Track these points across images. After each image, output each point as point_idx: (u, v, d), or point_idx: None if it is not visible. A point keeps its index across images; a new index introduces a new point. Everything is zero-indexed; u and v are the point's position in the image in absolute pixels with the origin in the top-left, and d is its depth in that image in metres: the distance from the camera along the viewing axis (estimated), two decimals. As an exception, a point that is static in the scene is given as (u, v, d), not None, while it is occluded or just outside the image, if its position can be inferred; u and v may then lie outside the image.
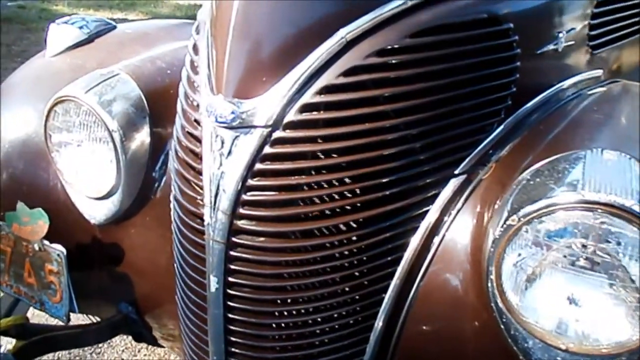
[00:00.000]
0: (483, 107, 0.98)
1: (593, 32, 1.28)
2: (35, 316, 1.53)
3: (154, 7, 7.20)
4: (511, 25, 0.98)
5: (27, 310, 1.33)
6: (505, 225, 0.79)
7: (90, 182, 1.17)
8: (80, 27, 1.48)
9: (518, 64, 1.01)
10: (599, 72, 1.29)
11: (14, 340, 1.26)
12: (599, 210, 0.73)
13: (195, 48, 0.96)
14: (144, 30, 1.62)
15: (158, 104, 1.20)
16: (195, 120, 0.89)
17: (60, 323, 1.22)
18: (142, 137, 1.17)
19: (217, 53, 0.84)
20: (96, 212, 1.21)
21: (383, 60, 0.84)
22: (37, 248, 1.17)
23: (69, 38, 1.44)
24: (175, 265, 1.00)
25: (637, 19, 1.50)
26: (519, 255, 0.79)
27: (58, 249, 1.14)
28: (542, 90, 1.10)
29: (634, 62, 1.55)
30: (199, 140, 0.87)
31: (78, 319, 1.40)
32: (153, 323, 1.29)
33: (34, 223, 1.15)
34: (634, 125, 0.99)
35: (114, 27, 1.55)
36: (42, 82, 1.36)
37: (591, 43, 1.29)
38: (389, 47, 0.84)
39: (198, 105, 0.88)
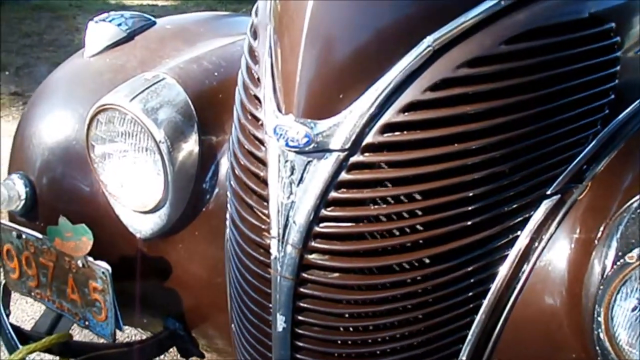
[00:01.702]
0: (580, 119, 0.86)
1: None
2: (79, 332, 1.48)
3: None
4: (613, 25, 0.86)
5: (70, 327, 1.28)
6: (620, 263, 0.69)
7: (136, 195, 1.09)
8: (119, 25, 1.40)
9: (618, 68, 0.89)
10: None
11: (57, 358, 1.21)
12: None
13: (252, 55, 0.85)
14: (184, 25, 1.53)
15: (206, 109, 1.11)
16: (258, 139, 0.79)
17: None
18: (191, 146, 1.09)
19: (284, 65, 0.73)
20: (142, 226, 1.13)
21: (476, 71, 0.73)
22: (80, 264, 1.10)
23: (107, 36, 1.35)
24: (231, 293, 0.91)
25: None
26: (638, 299, 0.69)
27: (103, 266, 1.07)
28: (639, 96, 0.98)
29: None
30: (263, 162, 0.77)
31: (124, 331, 1.34)
32: (200, 338, 1.23)
33: (78, 239, 1.08)
34: None
35: (154, 23, 1.46)
36: (81, 85, 1.28)
37: None
38: (483, 55, 0.73)
39: (262, 123, 0.78)
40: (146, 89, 1.07)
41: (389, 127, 0.71)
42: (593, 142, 0.88)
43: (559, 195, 0.83)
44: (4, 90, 3.78)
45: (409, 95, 0.71)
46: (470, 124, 0.73)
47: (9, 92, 3.78)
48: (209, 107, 1.11)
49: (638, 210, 0.73)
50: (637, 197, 0.75)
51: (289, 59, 0.73)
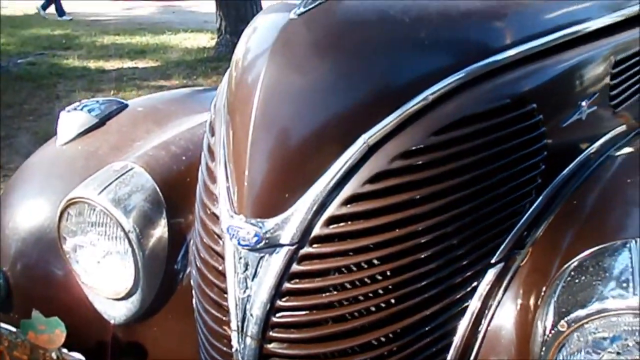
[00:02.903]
0: (513, 191, 0.92)
1: (613, 92, 1.23)
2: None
3: (164, 53, 7.29)
4: (535, 105, 0.93)
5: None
6: (554, 331, 0.73)
7: (108, 283, 1.11)
8: (90, 111, 1.45)
9: (545, 141, 0.96)
10: (622, 128, 1.24)
11: None
12: None
13: (210, 151, 0.91)
14: (156, 105, 1.59)
15: (174, 194, 1.15)
16: (216, 234, 0.83)
17: None
18: (160, 231, 1.12)
19: (234, 166, 0.78)
20: (116, 312, 1.15)
21: (410, 162, 0.79)
22: (55, 357, 1.11)
23: (79, 124, 1.40)
24: None
25: None
26: None
27: (77, 357, 1.08)
28: (571, 162, 1.06)
29: None
30: (221, 256, 0.81)
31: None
32: None
33: (51, 332, 1.10)
34: None
35: (126, 106, 1.52)
36: (54, 174, 1.32)
37: (613, 102, 1.24)
38: (415, 147, 0.79)
39: (218, 219, 0.82)
40: (115, 180, 1.11)
41: (333, 220, 0.76)
42: (530, 210, 0.93)
43: (503, 263, 0.88)
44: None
45: (350, 189, 0.76)
46: (410, 210, 0.78)
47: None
48: (177, 191, 1.15)
49: (567, 278, 0.77)
50: (571, 262, 0.79)
51: (238, 161, 0.78)
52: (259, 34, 0.87)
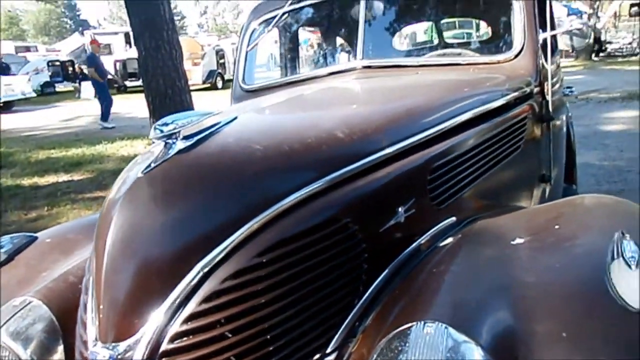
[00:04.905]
0: (340, 290, 1.10)
1: (433, 194, 1.40)
2: None
3: (100, 163, 7.44)
4: (349, 219, 1.13)
5: None
6: None
7: (10, 411, 1.22)
8: (1, 248, 1.60)
9: (363, 246, 1.15)
10: (452, 220, 1.42)
11: None
12: None
13: (86, 285, 1.08)
14: (64, 234, 1.74)
15: (71, 321, 1.28)
16: None
17: None
18: (57, 357, 1.25)
19: (95, 300, 0.96)
20: None
21: (239, 281, 0.97)
22: None
23: (-14, 265, 1.54)
24: None
25: (486, 159, 1.66)
26: None
27: None
28: (395, 258, 1.24)
29: (491, 194, 1.70)
30: None
31: None
32: None
33: None
34: (459, 276, 1.11)
35: (35, 239, 1.67)
36: None
37: (435, 202, 1.40)
38: (242, 268, 0.98)
39: (87, 346, 0.99)
40: (14, 314, 1.25)
41: (177, 336, 0.92)
42: (359, 304, 1.12)
43: (336, 352, 1.06)
44: None
45: (189, 308, 0.93)
46: (243, 319, 0.96)
47: None
48: (73, 318, 1.29)
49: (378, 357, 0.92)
50: (378, 345, 0.94)
51: (97, 294, 0.96)
52: (118, 186, 1.09)
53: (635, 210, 1.28)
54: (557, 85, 2.72)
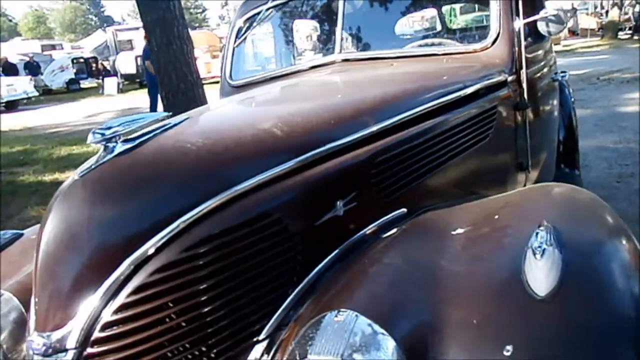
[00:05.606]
0: (273, 281, 1.15)
1: (379, 187, 1.41)
2: None
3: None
4: (281, 214, 1.17)
5: None
6: None
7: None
8: (-16, 247, 1.71)
9: (297, 239, 1.19)
10: (402, 212, 1.44)
11: None
12: None
13: None
14: None
15: None
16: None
17: None
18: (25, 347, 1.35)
19: (33, 295, 1.04)
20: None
21: (167, 274, 1.03)
22: None
23: (-28, 263, 1.64)
24: None
25: (445, 150, 1.66)
26: None
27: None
28: (333, 249, 1.27)
29: (446, 186, 1.70)
30: None
31: None
32: None
33: None
34: (402, 267, 1.15)
35: (21, 235, 1.77)
36: None
37: (381, 194, 1.42)
38: (170, 261, 1.04)
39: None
40: (-13, 307, 1.36)
41: (108, 325, 0.99)
42: (293, 294, 1.17)
43: (268, 339, 1.11)
44: None
45: (119, 300, 1.00)
46: (173, 308, 1.03)
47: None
48: None
49: (297, 344, 0.98)
50: (300, 332, 1.00)
51: (35, 289, 1.04)
52: (61, 187, 1.17)
53: (586, 198, 1.29)
54: (545, 70, 2.70)
